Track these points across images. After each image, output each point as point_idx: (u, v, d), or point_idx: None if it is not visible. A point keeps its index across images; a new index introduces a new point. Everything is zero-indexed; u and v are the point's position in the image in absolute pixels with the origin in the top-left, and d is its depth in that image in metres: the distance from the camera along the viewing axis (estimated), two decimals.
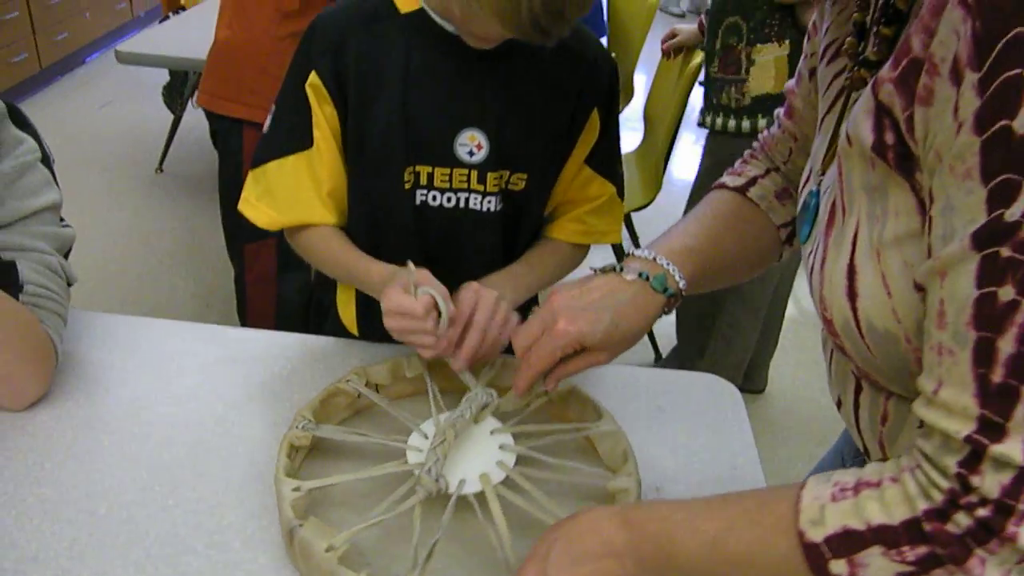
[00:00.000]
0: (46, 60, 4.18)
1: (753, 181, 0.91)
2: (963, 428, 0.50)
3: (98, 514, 0.81)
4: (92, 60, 4.67)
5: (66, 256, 1.01)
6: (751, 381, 2.41)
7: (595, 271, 0.83)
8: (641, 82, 3.04)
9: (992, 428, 0.49)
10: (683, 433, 0.98)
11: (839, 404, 0.75)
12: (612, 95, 1.06)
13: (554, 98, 1.01)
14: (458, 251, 1.04)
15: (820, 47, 0.76)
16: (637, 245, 2.87)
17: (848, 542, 0.54)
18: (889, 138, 0.56)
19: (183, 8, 3.13)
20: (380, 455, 0.87)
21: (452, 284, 0.91)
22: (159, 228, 3.07)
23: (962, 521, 0.50)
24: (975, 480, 0.50)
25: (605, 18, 2.26)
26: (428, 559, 0.73)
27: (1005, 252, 0.47)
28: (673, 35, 2.37)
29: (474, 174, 1.00)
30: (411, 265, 0.89)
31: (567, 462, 0.86)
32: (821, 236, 0.66)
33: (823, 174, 0.69)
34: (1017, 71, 0.44)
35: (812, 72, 0.81)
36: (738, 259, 0.88)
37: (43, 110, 4.05)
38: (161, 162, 3.48)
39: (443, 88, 0.97)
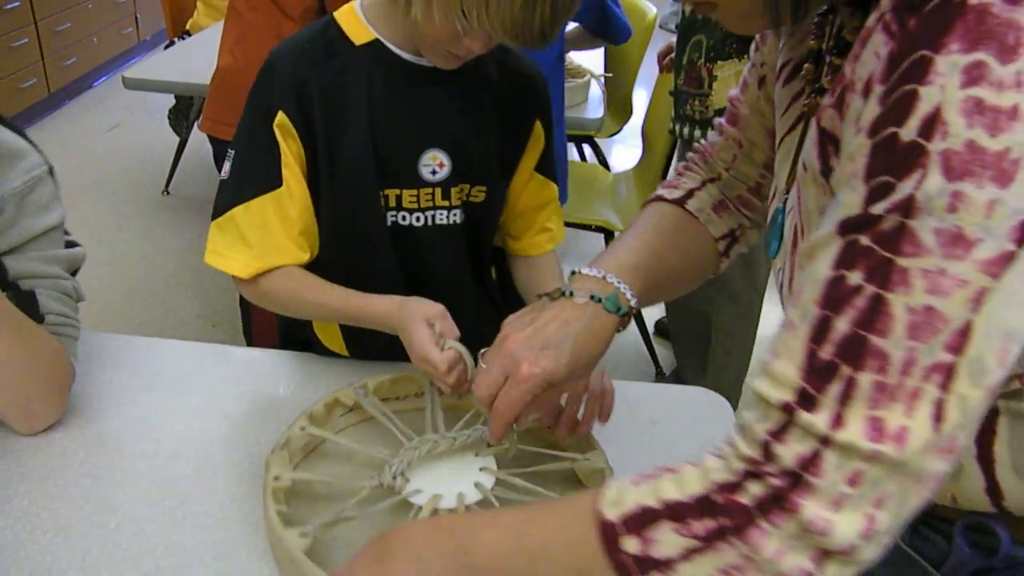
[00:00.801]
0: (54, 85, 4.24)
1: (690, 194, 0.92)
2: (782, 397, 0.52)
3: (109, 528, 0.84)
4: (99, 84, 4.74)
5: (74, 274, 1.03)
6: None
7: (542, 297, 0.81)
8: (641, 99, 3.08)
9: (807, 400, 0.51)
10: (675, 445, 1.01)
11: None
12: (547, 105, 1.12)
13: (501, 113, 1.06)
14: (431, 264, 1.08)
15: (777, 65, 0.79)
16: None
17: (641, 518, 0.55)
18: (834, 163, 0.58)
19: (188, 33, 3.19)
20: (374, 463, 0.90)
21: (427, 295, 0.94)
22: (166, 249, 3.11)
23: (753, 490, 0.52)
24: (778, 448, 0.51)
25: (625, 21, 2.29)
26: None
27: (864, 240, 0.49)
28: (670, 50, 2.40)
29: (438, 192, 1.04)
30: (451, 342, 0.90)
31: (547, 491, 0.87)
32: (787, 255, 0.69)
33: (787, 193, 0.72)
34: (913, 86, 0.48)
35: (761, 80, 0.85)
36: (681, 273, 0.89)
37: (51, 134, 4.11)
38: (167, 184, 3.53)
39: (404, 114, 1.00)
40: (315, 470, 0.93)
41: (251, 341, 2.13)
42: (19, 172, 0.95)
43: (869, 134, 0.50)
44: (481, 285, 1.16)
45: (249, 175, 1.00)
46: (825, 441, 0.50)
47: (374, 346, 1.03)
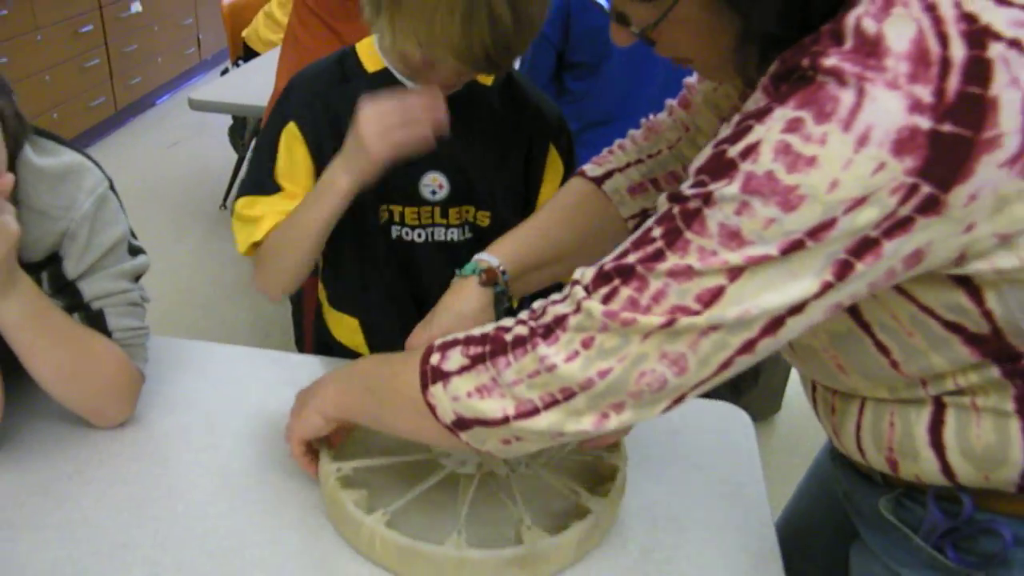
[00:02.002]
0: (121, 103, 4.44)
1: (610, 174, 1.03)
2: (576, 281, 0.70)
3: (176, 511, 0.94)
4: (162, 102, 4.94)
5: (138, 279, 1.09)
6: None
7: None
8: None
9: (585, 289, 0.69)
10: (695, 453, 1.08)
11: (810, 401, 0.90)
12: (563, 133, 1.19)
13: (505, 141, 1.14)
14: (430, 278, 1.16)
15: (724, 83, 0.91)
16: None
17: (448, 343, 0.77)
18: None
19: (248, 48, 3.31)
20: (413, 472, 0.99)
21: (427, 307, 1.01)
22: (222, 261, 3.25)
23: (516, 330, 0.73)
24: (548, 308, 0.71)
25: None
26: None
27: (674, 210, 0.65)
28: None
29: (437, 210, 1.14)
30: None
31: (559, 476, 0.97)
32: None
33: None
34: (752, 122, 0.62)
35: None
36: (572, 246, 1.02)
37: (116, 149, 4.30)
38: (225, 199, 3.68)
39: None
40: (367, 445, 1.02)
41: (302, 348, 2.24)
42: (86, 193, 1.00)
43: (714, 146, 0.65)
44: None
45: (257, 175, 1.12)
46: (578, 308, 0.68)
47: (392, 339, 1.11)
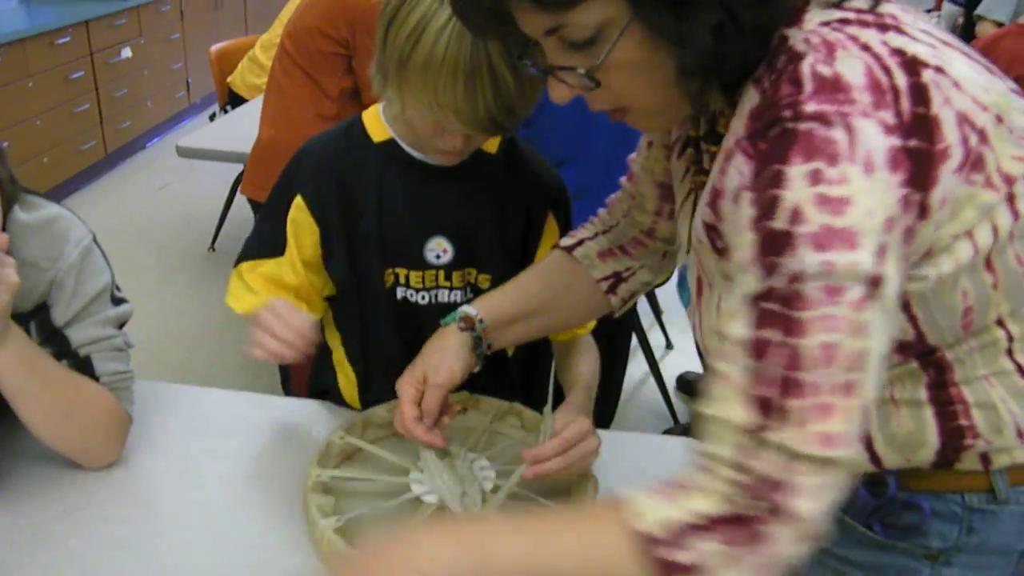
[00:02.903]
0: (111, 146, 4.51)
1: (580, 242, 1.11)
2: (742, 426, 0.66)
3: (160, 549, 0.98)
4: (152, 145, 5.01)
5: (122, 326, 1.14)
6: None
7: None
8: None
9: (764, 428, 0.65)
10: None
11: None
12: (562, 201, 1.24)
13: (507, 208, 1.19)
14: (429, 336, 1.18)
15: (671, 140, 0.97)
16: (659, 316, 3.03)
17: (675, 531, 0.66)
18: (719, 244, 0.76)
19: (235, 94, 3.38)
20: (383, 491, 1.05)
21: None
22: (211, 303, 3.29)
23: (758, 505, 0.65)
24: (758, 465, 0.65)
25: None
26: None
27: (769, 306, 0.65)
28: None
29: (441, 273, 1.18)
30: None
31: (535, 495, 1.02)
32: (695, 304, 0.87)
33: (688, 253, 0.90)
34: (775, 191, 0.65)
35: (649, 144, 1.03)
36: (545, 301, 1.10)
37: (106, 192, 4.36)
38: (213, 241, 3.73)
39: (411, 204, 1.15)
40: (339, 506, 1.06)
41: (289, 391, 2.28)
42: (72, 244, 1.05)
43: (751, 228, 0.66)
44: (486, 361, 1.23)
45: (261, 241, 1.17)
46: (791, 458, 0.64)
47: (385, 397, 1.15)
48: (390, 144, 1.14)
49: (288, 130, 2.06)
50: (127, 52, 4.53)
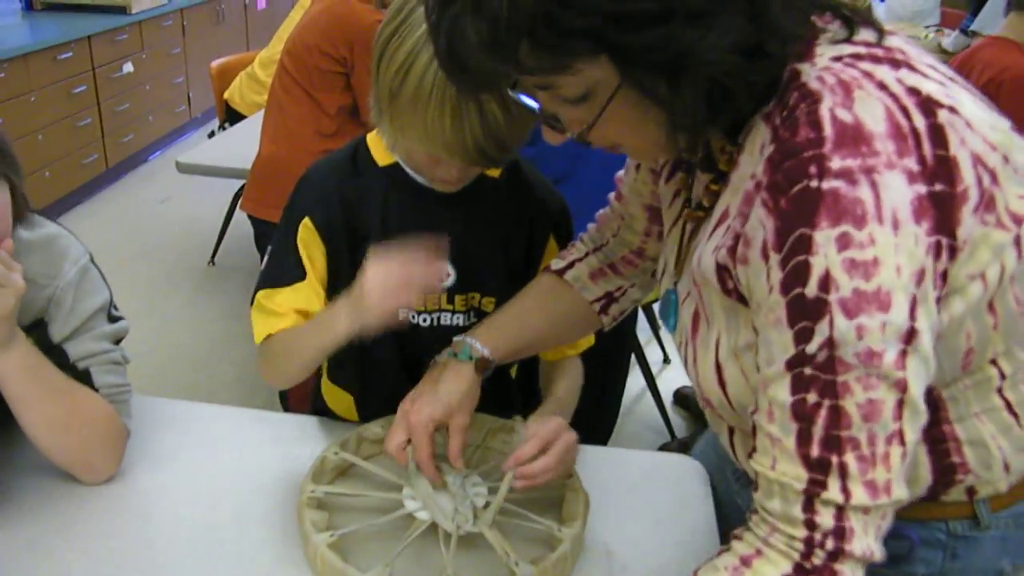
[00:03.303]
0: (112, 160, 4.53)
1: (571, 265, 1.14)
2: (799, 485, 0.71)
3: (157, 563, 1.00)
4: (153, 158, 5.03)
5: (119, 342, 1.16)
6: None
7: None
8: None
9: (817, 483, 0.71)
10: (650, 505, 1.14)
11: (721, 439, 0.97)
12: (564, 223, 1.25)
13: (510, 232, 1.20)
14: (432, 358, 1.17)
15: (659, 164, 0.99)
16: (656, 331, 3.05)
17: None
18: (730, 284, 0.78)
19: (233, 111, 3.41)
20: (376, 507, 1.07)
21: None
22: (210, 317, 3.31)
23: (820, 554, 0.72)
24: (816, 520, 0.71)
25: None
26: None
27: (808, 371, 0.69)
28: None
29: (444, 297, 1.18)
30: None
31: (526, 511, 1.04)
32: (688, 337, 0.87)
33: (677, 277, 0.92)
34: (804, 257, 0.66)
35: (637, 166, 1.06)
36: (546, 329, 1.14)
37: (108, 206, 4.38)
38: (213, 255, 3.75)
39: (415, 228, 1.13)
40: (333, 521, 1.08)
41: (287, 406, 2.29)
42: (71, 263, 1.08)
43: (782, 292, 0.69)
44: (490, 380, 1.21)
45: (276, 268, 1.16)
46: (842, 507, 0.70)
47: (383, 415, 1.17)
48: (394, 168, 1.15)
49: (288, 147, 2.08)
50: (129, 67, 4.56)
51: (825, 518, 0.71)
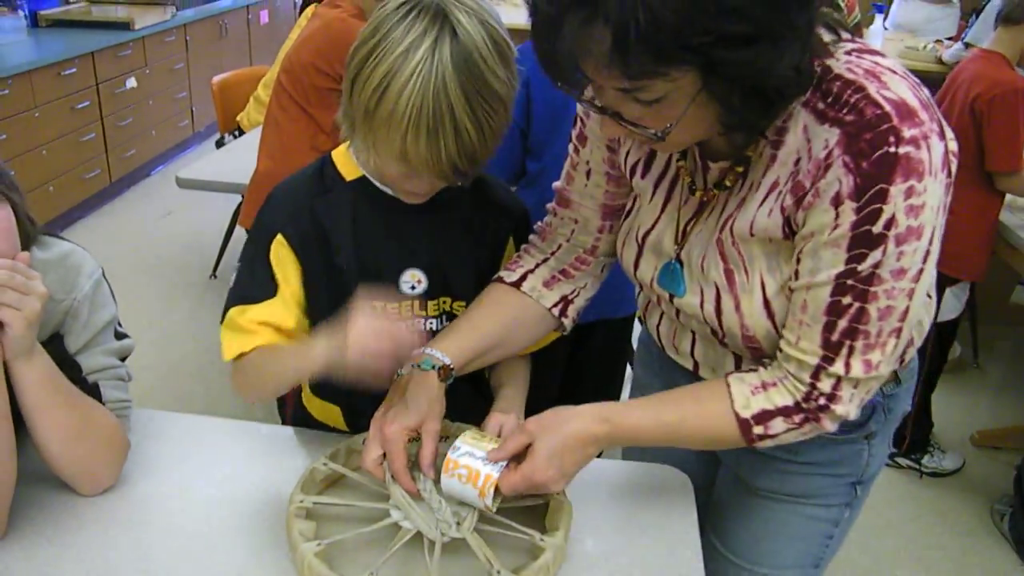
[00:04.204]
0: (116, 175, 4.58)
1: (525, 276, 1.21)
2: (813, 360, 0.98)
3: (150, 571, 1.02)
4: (156, 172, 5.08)
5: (124, 359, 1.21)
6: None
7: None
8: None
9: (828, 360, 0.97)
10: (633, 515, 1.17)
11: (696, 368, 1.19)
12: (523, 226, 1.29)
13: (476, 236, 1.24)
14: None
15: (626, 166, 1.14)
16: None
17: (763, 415, 1.01)
18: (787, 230, 0.97)
19: (239, 127, 3.46)
20: (363, 516, 1.09)
21: None
22: (212, 330, 3.31)
23: (813, 404, 1.00)
24: (818, 384, 0.98)
25: None
26: None
27: (850, 281, 0.92)
28: None
29: (416, 303, 1.21)
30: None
31: (514, 522, 1.06)
32: (725, 290, 1.04)
33: (680, 249, 1.09)
34: (879, 205, 0.88)
35: (588, 173, 1.19)
36: (501, 334, 1.19)
37: (110, 220, 4.43)
38: (215, 269, 3.79)
39: (385, 239, 1.18)
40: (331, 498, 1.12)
41: (284, 419, 2.32)
42: (86, 277, 1.13)
43: (851, 229, 0.90)
44: (468, 382, 1.27)
45: (247, 285, 1.17)
46: (841, 378, 0.97)
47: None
48: (361, 182, 1.18)
49: (284, 163, 2.10)
50: (132, 82, 4.61)
51: (825, 385, 0.98)
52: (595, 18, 0.80)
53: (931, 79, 4.98)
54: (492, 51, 1.00)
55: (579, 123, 1.19)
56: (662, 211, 1.11)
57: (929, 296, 1.09)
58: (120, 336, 1.19)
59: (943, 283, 2.55)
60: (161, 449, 1.25)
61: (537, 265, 1.22)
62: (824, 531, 1.24)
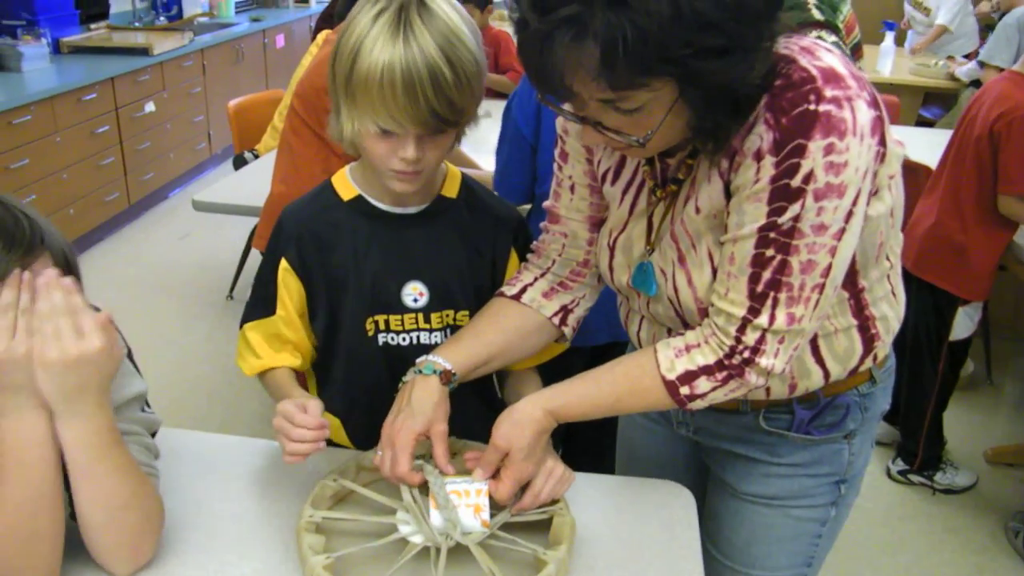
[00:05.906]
0: (134, 197, 4.66)
1: (524, 289, 1.25)
2: (739, 311, 1.01)
3: None
4: (174, 195, 5.15)
5: (153, 435, 1.17)
6: None
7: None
8: None
9: (753, 311, 1.00)
10: (636, 530, 1.19)
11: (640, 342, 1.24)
12: (522, 234, 1.33)
13: (474, 247, 1.28)
14: None
15: (598, 172, 1.20)
16: None
17: (687, 376, 1.05)
18: (726, 194, 1.01)
19: (255, 153, 3.51)
20: (372, 531, 1.12)
21: None
22: (228, 350, 3.37)
23: (738, 358, 1.03)
24: (743, 337, 1.02)
25: None
26: None
27: (772, 235, 0.96)
28: None
29: (420, 316, 1.26)
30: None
31: (518, 538, 1.08)
32: (677, 268, 1.09)
33: (652, 249, 1.13)
34: (796, 160, 0.92)
35: (572, 188, 1.23)
36: (502, 343, 1.23)
37: (129, 242, 4.49)
38: (232, 290, 3.84)
39: (385, 253, 1.24)
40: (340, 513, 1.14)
41: None
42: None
43: (770, 182, 0.94)
44: (476, 394, 1.32)
45: (258, 303, 1.27)
46: (765, 330, 1.00)
47: (371, 433, 1.21)
48: (358, 200, 1.24)
49: (297, 186, 2.14)
50: (151, 106, 4.69)
51: (750, 338, 1.01)
52: (584, 35, 0.84)
53: (942, 95, 5.03)
54: (456, 11, 1.08)
55: (560, 141, 1.23)
56: (630, 214, 1.16)
57: (895, 295, 1.15)
58: (147, 413, 1.15)
59: (954, 303, 2.55)
60: (177, 467, 1.27)
61: (536, 279, 1.26)
62: (813, 531, 1.28)
